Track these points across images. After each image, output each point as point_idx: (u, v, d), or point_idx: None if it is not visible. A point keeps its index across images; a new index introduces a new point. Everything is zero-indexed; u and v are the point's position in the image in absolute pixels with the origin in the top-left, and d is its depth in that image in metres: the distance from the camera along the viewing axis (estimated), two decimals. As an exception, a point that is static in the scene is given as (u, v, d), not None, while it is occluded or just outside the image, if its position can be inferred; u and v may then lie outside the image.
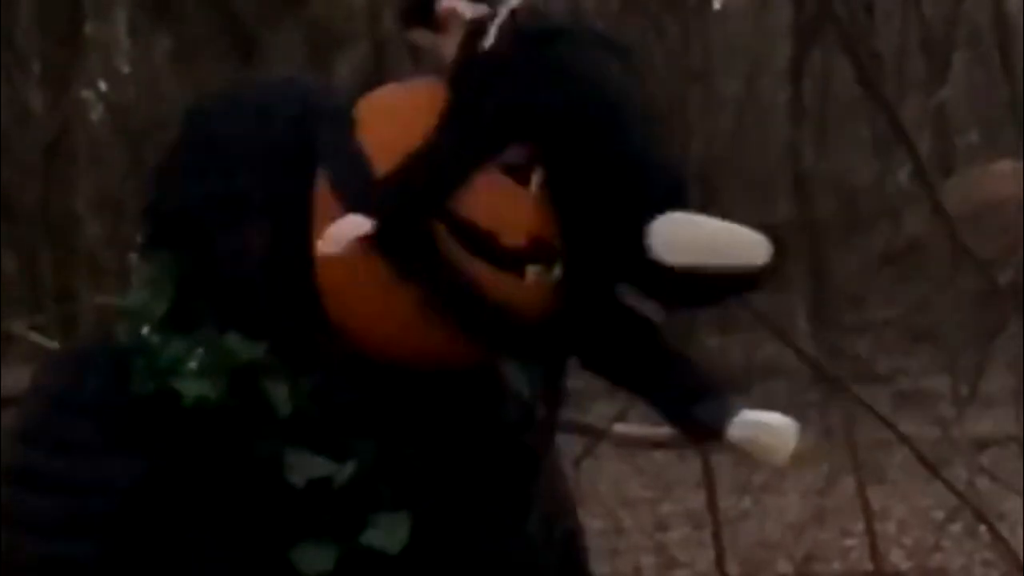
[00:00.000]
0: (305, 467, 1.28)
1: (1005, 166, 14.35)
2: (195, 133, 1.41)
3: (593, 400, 9.68)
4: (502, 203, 1.27)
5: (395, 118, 1.32)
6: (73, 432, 1.32)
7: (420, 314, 1.27)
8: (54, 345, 7.55)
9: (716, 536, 5.98)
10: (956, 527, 7.41)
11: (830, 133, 16.90)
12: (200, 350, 1.30)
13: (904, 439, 6.03)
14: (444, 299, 1.26)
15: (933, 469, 6.03)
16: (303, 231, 1.30)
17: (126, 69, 17.40)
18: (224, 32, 13.54)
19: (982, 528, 7.27)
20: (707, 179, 15.18)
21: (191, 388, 1.28)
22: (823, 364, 7.13)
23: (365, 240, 1.24)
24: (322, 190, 1.30)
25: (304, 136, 1.34)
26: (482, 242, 1.26)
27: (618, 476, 9.40)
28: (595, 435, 6.92)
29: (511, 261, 1.27)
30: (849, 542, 7.59)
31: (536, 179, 1.28)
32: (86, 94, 14.91)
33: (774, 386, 11.47)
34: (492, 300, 1.27)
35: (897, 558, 7.35)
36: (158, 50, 16.27)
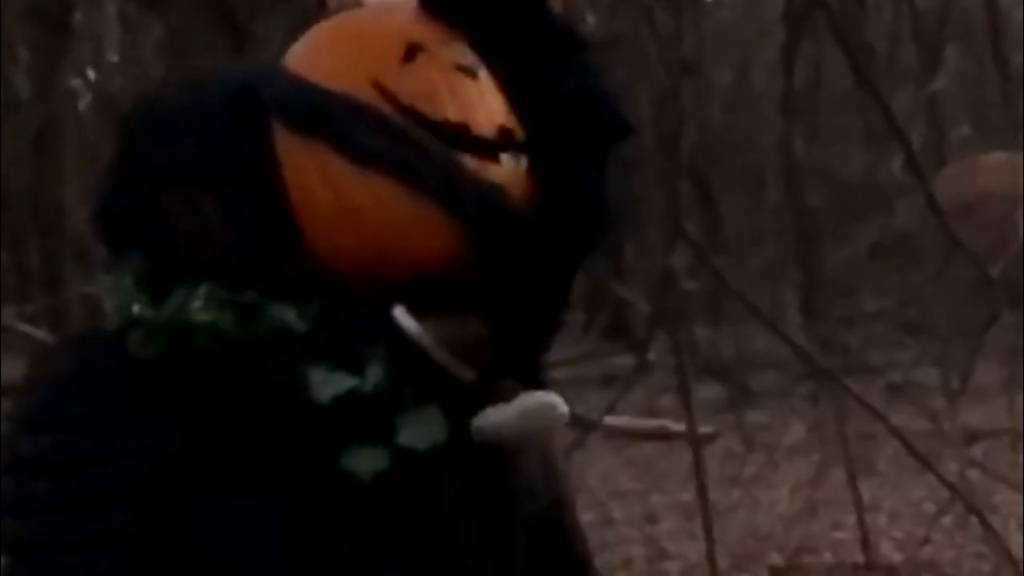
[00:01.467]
0: (329, 383, 1.30)
1: (997, 158, 14.35)
2: (134, 131, 1.43)
3: (583, 391, 9.68)
4: (464, 97, 1.33)
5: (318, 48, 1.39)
6: (88, 409, 1.32)
7: (411, 212, 1.31)
8: (43, 334, 7.53)
9: (707, 528, 5.97)
10: (947, 519, 7.39)
11: (821, 124, 16.88)
12: (203, 289, 1.31)
13: (895, 432, 6.03)
14: (436, 186, 1.31)
15: (924, 461, 6.03)
16: (265, 185, 1.34)
17: (115, 58, 17.36)
18: (214, 22, 13.49)
19: (973, 520, 7.26)
20: (698, 170, 15.17)
21: (201, 315, 1.30)
22: (815, 356, 7.11)
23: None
24: (282, 137, 1.34)
25: (241, 101, 1.37)
26: (455, 135, 1.32)
27: (608, 468, 9.39)
28: (585, 427, 6.91)
29: (485, 149, 1.33)
30: (840, 534, 7.58)
31: (483, 74, 1.35)
32: (75, 83, 14.87)
33: (765, 378, 11.46)
34: (480, 180, 1.32)
35: (888, 550, 7.33)
36: (148, 39, 16.22)
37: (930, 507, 7.74)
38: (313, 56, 1.38)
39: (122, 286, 1.36)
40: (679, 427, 8.44)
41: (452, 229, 1.32)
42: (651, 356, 9.98)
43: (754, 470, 8.45)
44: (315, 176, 1.33)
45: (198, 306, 1.31)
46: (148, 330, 1.32)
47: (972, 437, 8.67)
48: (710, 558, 6.01)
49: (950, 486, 6.29)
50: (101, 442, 1.30)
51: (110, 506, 1.29)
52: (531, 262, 1.34)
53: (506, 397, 1.36)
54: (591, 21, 16.85)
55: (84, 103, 16.52)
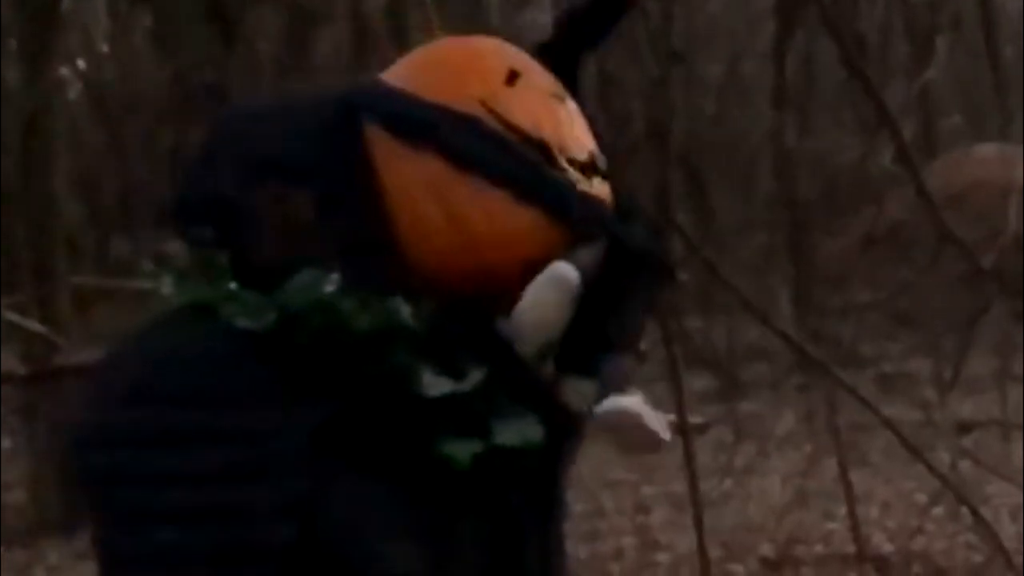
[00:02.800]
0: (436, 383, 1.35)
1: (988, 149, 14.35)
2: (228, 127, 1.48)
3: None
4: (559, 121, 1.41)
5: (429, 67, 1.46)
6: (221, 386, 1.33)
7: (518, 222, 1.37)
8: (33, 325, 7.50)
9: (697, 519, 5.95)
10: (939, 510, 7.39)
11: (813, 115, 16.87)
12: (334, 276, 1.34)
13: (886, 422, 6.01)
14: (546, 196, 1.38)
15: (916, 452, 6.01)
16: (359, 189, 1.38)
17: (104, 47, 17.31)
18: (203, 11, 13.45)
19: (964, 511, 7.26)
20: (690, 161, 15.15)
21: (338, 301, 1.33)
22: (806, 348, 7.10)
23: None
24: (384, 145, 1.39)
25: (339, 107, 1.42)
26: (554, 155, 1.40)
27: (599, 458, 9.37)
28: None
29: (580, 170, 1.41)
30: (831, 525, 7.57)
31: (570, 103, 1.44)
32: (64, 72, 14.81)
33: (757, 369, 11.45)
34: (587, 193, 1.41)
35: (879, 541, 7.33)
36: (137, 28, 16.18)
37: (921, 498, 7.73)
38: (419, 74, 1.44)
39: (214, 270, 1.38)
40: (670, 418, 8.41)
41: (554, 239, 1.39)
42: (642, 346, 9.94)
43: (745, 461, 8.43)
44: (420, 185, 1.38)
45: (332, 291, 1.34)
46: (270, 312, 1.34)
47: (963, 428, 8.67)
48: (701, 549, 5.99)
49: (941, 477, 6.29)
50: (237, 418, 1.31)
51: (249, 481, 1.30)
52: (623, 273, 1.47)
53: (579, 395, 1.45)
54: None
55: (74, 93, 16.47)
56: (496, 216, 1.37)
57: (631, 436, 1.49)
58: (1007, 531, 6.81)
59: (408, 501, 1.36)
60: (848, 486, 7.10)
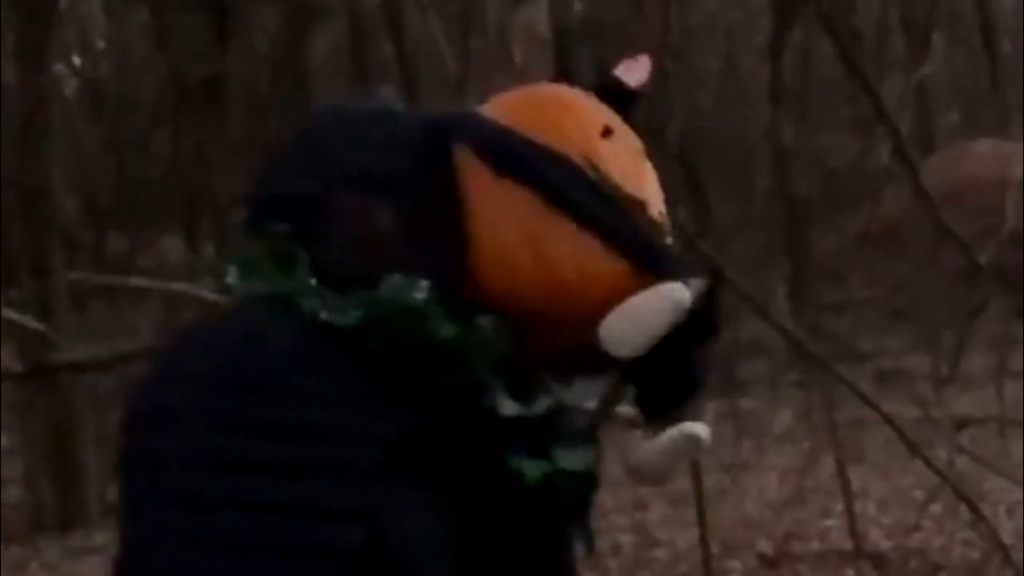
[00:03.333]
0: (509, 403, 1.38)
1: (985, 145, 14.35)
2: (319, 128, 1.49)
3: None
4: (645, 178, 1.46)
5: (531, 108, 1.48)
6: (308, 381, 1.32)
7: (602, 268, 1.40)
8: (29, 321, 7.48)
9: (700, 515, 5.94)
10: (936, 507, 7.38)
11: (810, 111, 16.86)
12: (424, 284, 1.36)
13: (886, 418, 6.00)
14: (636, 247, 1.41)
15: (915, 448, 6.00)
16: (446, 212, 1.40)
17: (101, 44, 17.29)
18: (200, 7, 13.43)
19: (962, 508, 7.25)
20: (687, 157, 15.13)
21: (430, 312, 1.35)
22: (805, 343, 7.09)
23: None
24: (477, 175, 1.41)
25: (435, 129, 1.45)
26: (646, 213, 1.44)
27: (597, 455, 9.35)
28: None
29: (659, 229, 1.45)
30: (829, 521, 7.56)
31: (649, 164, 1.48)
32: (61, 69, 14.80)
33: (755, 366, 11.45)
34: (671, 248, 1.45)
35: (876, 537, 7.32)
36: (133, 25, 16.16)
37: (919, 495, 7.73)
38: (519, 114, 1.46)
39: (292, 264, 1.39)
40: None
41: (635, 289, 1.40)
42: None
43: (743, 457, 8.43)
44: (510, 216, 1.41)
45: (422, 297, 1.35)
46: (356, 310, 1.35)
47: (961, 424, 8.66)
48: (704, 544, 5.99)
49: (939, 473, 6.28)
50: (320, 415, 1.31)
51: (325, 479, 1.30)
52: (694, 329, 1.45)
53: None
54: (578, 8, 16.82)
55: (70, 89, 16.46)
56: (583, 259, 1.40)
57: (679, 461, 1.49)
58: (1005, 527, 6.81)
59: (466, 518, 1.38)
60: (846, 483, 7.09)
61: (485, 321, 1.37)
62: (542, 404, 1.40)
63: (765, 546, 7.28)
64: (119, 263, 14.56)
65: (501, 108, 1.48)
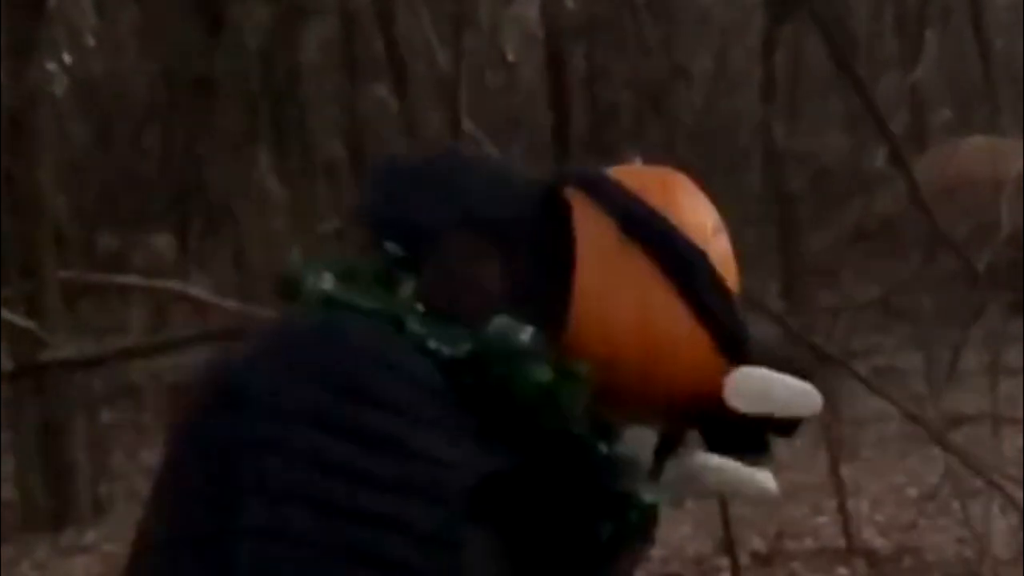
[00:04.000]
0: (603, 444, 1.40)
1: (978, 142, 14.35)
2: (445, 162, 1.51)
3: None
4: (736, 278, 1.52)
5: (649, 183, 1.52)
6: (413, 400, 1.32)
7: (701, 357, 1.44)
8: (19, 320, 7.45)
9: (725, 523, 5.92)
10: (930, 505, 7.38)
11: (803, 108, 16.87)
12: (529, 327, 1.37)
13: (907, 412, 5.94)
14: (732, 342, 1.46)
15: (941, 437, 5.96)
16: (548, 248, 1.44)
17: (91, 42, 17.25)
18: (191, 5, 13.40)
19: (955, 506, 7.24)
20: (679, 154, 15.12)
21: (535, 355, 1.36)
22: (818, 345, 7.06)
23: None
24: (588, 213, 1.45)
25: (556, 186, 1.48)
26: (739, 311, 1.50)
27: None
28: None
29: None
30: (822, 519, 7.56)
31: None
32: (50, 67, 14.76)
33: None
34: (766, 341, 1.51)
35: (870, 535, 7.31)
36: (123, 23, 16.13)
37: (912, 492, 7.73)
38: (649, 189, 1.49)
39: (401, 286, 1.40)
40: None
41: (717, 372, 1.45)
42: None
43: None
44: (627, 281, 1.45)
45: (527, 340, 1.36)
46: (465, 343, 1.36)
47: (954, 422, 8.65)
48: (731, 553, 5.96)
49: (977, 467, 6.20)
50: (424, 439, 1.31)
51: (413, 502, 1.29)
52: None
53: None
54: (570, 5, 16.82)
55: (60, 87, 16.42)
56: (689, 343, 1.45)
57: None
58: (999, 525, 6.80)
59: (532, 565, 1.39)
60: (839, 480, 7.08)
61: (580, 368, 1.39)
62: (629, 449, 1.43)
63: (758, 544, 7.27)
64: (110, 261, 14.52)
65: (626, 177, 1.51)
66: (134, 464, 9.93)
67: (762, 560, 7.08)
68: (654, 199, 1.48)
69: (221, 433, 1.32)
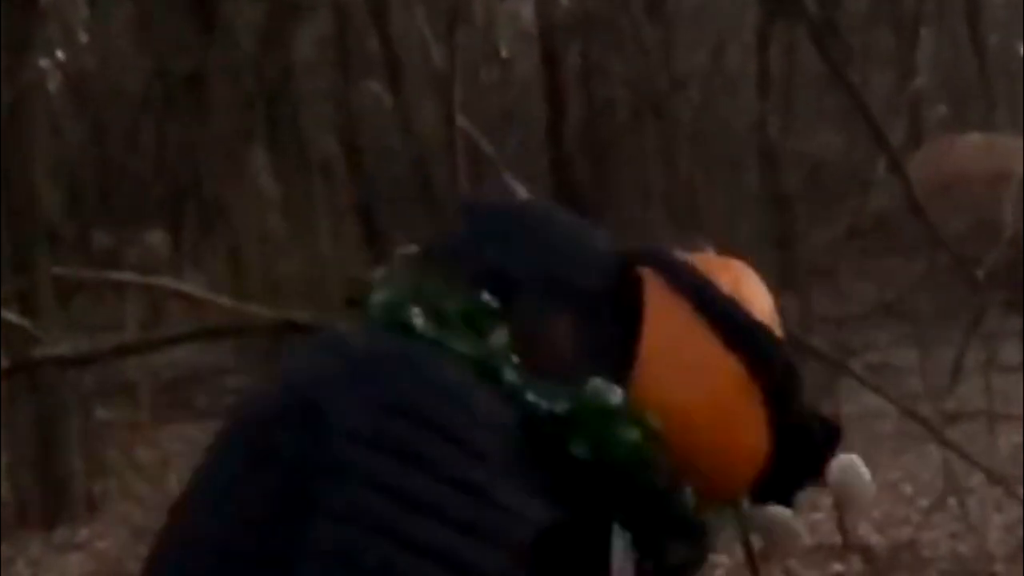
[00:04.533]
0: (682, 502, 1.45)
1: (974, 138, 14.35)
2: (535, 218, 1.53)
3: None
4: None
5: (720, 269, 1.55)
6: (495, 447, 1.32)
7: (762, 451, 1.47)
8: (13, 317, 7.42)
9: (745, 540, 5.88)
10: (925, 501, 7.37)
11: (798, 105, 16.84)
12: (619, 389, 1.40)
13: (907, 411, 5.93)
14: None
15: (941, 438, 5.95)
16: (617, 319, 1.46)
17: (85, 38, 17.22)
18: (184, 2, 13.38)
19: (951, 502, 7.24)
20: (674, 153, 15.12)
21: (629, 434, 1.39)
22: (820, 348, 7.06)
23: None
24: (660, 291, 1.47)
25: (634, 257, 1.50)
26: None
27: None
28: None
29: None
30: (817, 515, 7.54)
31: None
32: (44, 63, 14.72)
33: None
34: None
35: (865, 532, 7.30)
36: (117, 19, 16.10)
37: (908, 488, 7.72)
38: (719, 274, 1.52)
39: (488, 337, 1.41)
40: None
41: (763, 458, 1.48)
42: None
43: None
44: (696, 361, 1.45)
45: (617, 401, 1.39)
46: (563, 400, 1.38)
47: (951, 418, 8.64)
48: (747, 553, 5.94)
49: (987, 470, 6.19)
50: (496, 483, 1.30)
51: (491, 546, 1.29)
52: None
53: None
54: (564, 2, 16.80)
55: (54, 84, 16.39)
56: (755, 433, 1.47)
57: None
58: (995, 522, 6.80)
59: None
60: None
61: (657, 424, 1.42)
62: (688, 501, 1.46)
63: (753, 540, 7.26)
64: (104, 258, 14.49)
65: (702, 265, 1.54)
66: (128, 461, 9.90)
67: (757, 557, 7.07)
68: (724, 283, 1.50)
69: (294, 450, 1.29)
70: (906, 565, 6.82)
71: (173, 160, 15.76)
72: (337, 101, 16.41)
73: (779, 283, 13.41)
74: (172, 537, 1.36)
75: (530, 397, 1.36)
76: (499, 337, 1.41)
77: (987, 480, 6.38)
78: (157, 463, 8.77)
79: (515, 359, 1.39)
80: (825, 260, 13.16)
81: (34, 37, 10.75)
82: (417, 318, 1.40)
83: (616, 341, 1.45)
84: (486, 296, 1.43)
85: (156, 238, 16.50)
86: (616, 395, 1.39)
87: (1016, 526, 6.71)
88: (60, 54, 16.58)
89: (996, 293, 7.32)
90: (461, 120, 9.12)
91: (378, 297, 1.43)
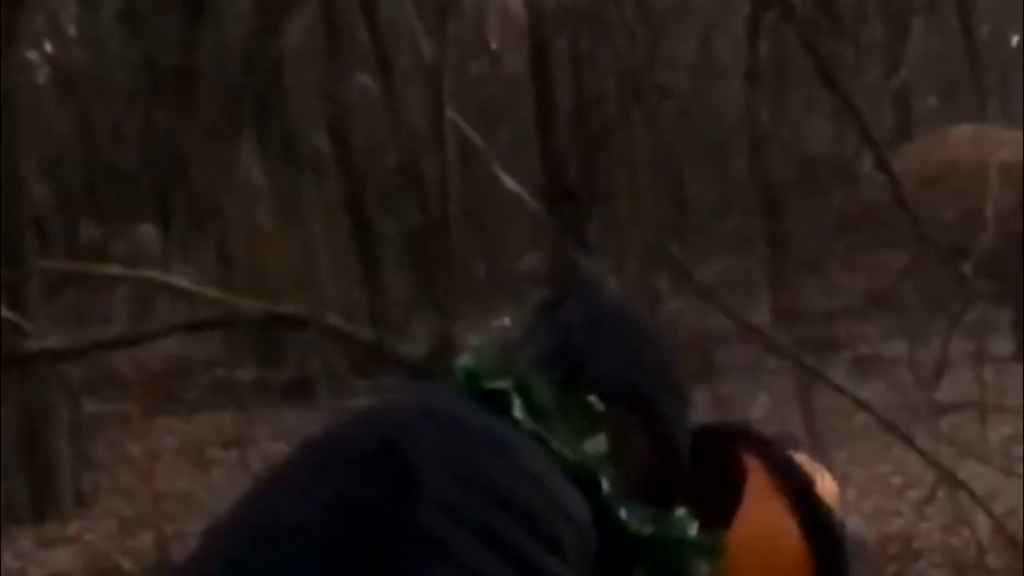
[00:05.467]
0: None
1: (964, 130, 14.35)
2: (626, 323, 1.58)
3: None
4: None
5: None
6: (576, 551, 1.36)
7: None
8: (1, 311, 7.39)
9: None
10: (914, 493, 7.36)
11: (788, 96, 16.82)
12: (695, 522, 1.46)
13: (863, 405, 5.96)
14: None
15: (899, 432, 5.97)
16: (718, 485, 1.54)
17: (72, 31, 17.16)
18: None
19: (940, 494, 7.23)
20: (665, 144, 15.10)
21: (701, 569, 1.46)
22: (782, 343, 7.06)
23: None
24: (758, 478, 1.56)
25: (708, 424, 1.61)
26: None
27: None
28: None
29: None
30: (808, 508, 7.53)
31: None
32: (32, 56, 14.68)
33: (734, 350, 11.42)
34: None
35: (856, 523, 7.29)
36: (105, 11, 16.04)
37: (897, 480, 7.71)
38: (819, 481, 1.61)
39: (588, 440, 1.45)
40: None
41: None
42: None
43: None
44: (773, 554, 1.54)
45: (695, 536, 1.45)
46: (648, 524, 1.44)
47: (940, 410, 8.64)
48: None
49: (946, 470, 6.21)
50: (562, 573, 1.33)
51: None
52: None
53: None
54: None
55: (42, 76, 16.34)
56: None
57: None
58: (983, 513, 6.79)
59: None
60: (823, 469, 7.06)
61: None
62: None
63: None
64: (92, 251, 14.46)
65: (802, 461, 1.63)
66: (117, 455, 9.88)
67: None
68: (821, 488, 1.58)
69: (382, 505, 1.31)
70: (896, 556, 6.81)
71: (162, 153, 15.71)
72: (326, 94, 16.37)
73: (768, 275, 13.40)
74: (237, 568, 1.35)
75: (622, 514, 1.42)
76: (598, 444, 1.44)
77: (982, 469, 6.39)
78: (146, 456, 8.75)
79: (610, 470, 1.43)
80: (814, 252, 13.15)
81: (22, 29, 10.71)
82: (519, 411, 1.43)
83: (698, 491, 1.53)
84: (593, 399, 1.46)
85: (145, 231, 16.46)
86: (693, 527, 1.45)
87: (1008, 517, 6.71)
88: (48, 47, 16.52)
89: (985, 283, 7.30)
90: (450, 112, 9.09)
91: (474, 368, 1.45)
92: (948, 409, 8.71)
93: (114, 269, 10.16)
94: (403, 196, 15.40)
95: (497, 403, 1.42)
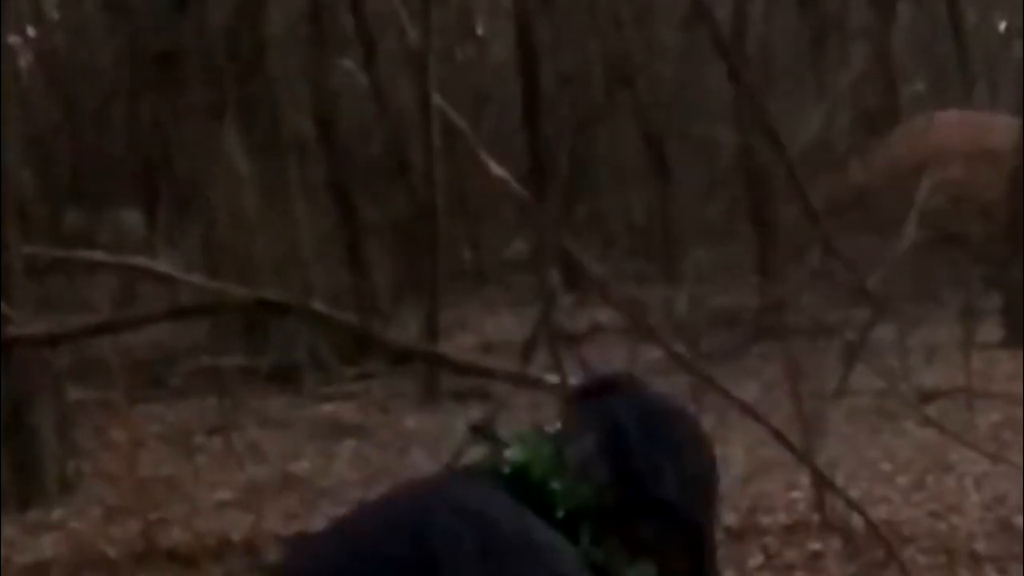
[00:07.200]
0: None
1: (951, 116, 14.34)
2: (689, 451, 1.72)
3: (535, 352, 9.59)
4: None
5: None
6: None
7: None
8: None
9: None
10: (903, 479, 7.36)
11: (775, 81, 16.81)
12: None
13: (752, 414, 5.93)
14: None
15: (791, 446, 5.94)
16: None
17: (55, 14, 17.09)
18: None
19: (929, 480, 7.23)
20: (650, 130, 15.08)
21: None
22: (691, 363, 7.08)
23: None
24: None
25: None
26: None
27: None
28: (539, 388, 6.82)
29: None
30: (795, 494, 7.52)
31: None
32: (14, 41, 14.61)
33: (720, 336, 11.41)
34: None
35: (843, 510, 7.27)
36: (89, -4, 15.97)
37: (886, 467, 7.70)
38: None
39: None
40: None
41: None
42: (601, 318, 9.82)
43: (708, 430, 8.37)
44: None
45: None
46: None
47: (927, 396, 8.64)
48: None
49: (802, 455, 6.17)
50: None
51: None
52: None
53: None
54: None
55: (25, 61, 16.28)
56: None
57: None
58: (972, 499, 6.79)
59: None
60: (812, 455, 7.05)
61: None
62: None
63: (731, 519, 7.22)
64: (77, 237, 14.40)
65: None
66: (102, 441, 9.84)
67: (735, 535, 7.04)
68: None
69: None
70: (886, 543, 6.79)
71: (146, 139, 15.64)
72: (312, 79, 16.31)
73: (756, 257, 13.37)
74: None
75: None
76: (646, 571, 1.53)
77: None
78: (131, 443, 8.71)
79: None
80: (800, 235, 13.15)
81: (4, 14, 10.64)
82: (584, 540, 1.51)
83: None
84: (643, 524, 1.55)
85: (130, 217, 16.39)
86: None
87: (996, 504, 6.71)
88: (31, 31, 16.45)
89: (975, 270, 7.30)
90: (436, 98, 9.06)
91: (523, 463, 1.50)
92: (936, 395, 8.71)
93: (98, 256, 10.11)
94: (389, 182, 15.36)
95: (540, 501, 1.48)
